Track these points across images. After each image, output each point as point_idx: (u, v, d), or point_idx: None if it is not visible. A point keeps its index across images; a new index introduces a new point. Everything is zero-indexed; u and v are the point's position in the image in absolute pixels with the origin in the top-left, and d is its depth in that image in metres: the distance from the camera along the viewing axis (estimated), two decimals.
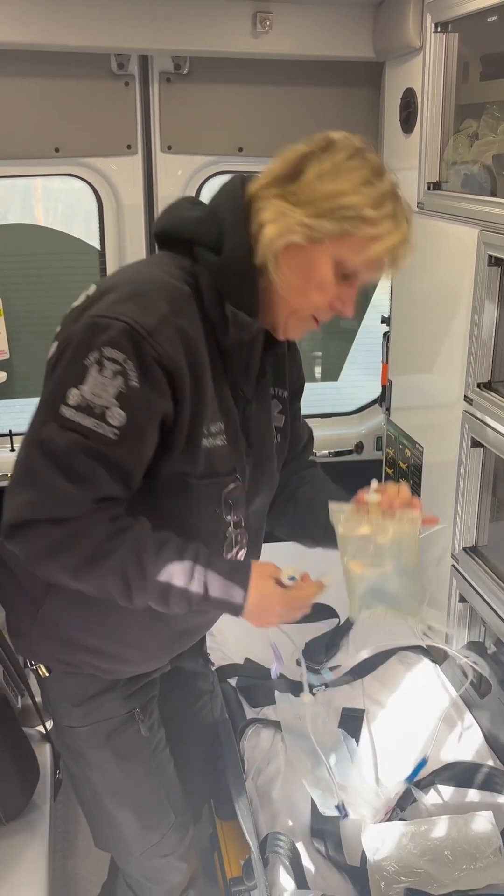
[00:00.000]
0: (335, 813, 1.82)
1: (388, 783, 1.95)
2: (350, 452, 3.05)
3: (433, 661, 2.32)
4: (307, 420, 1.73)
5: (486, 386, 2.07)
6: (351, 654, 2.38)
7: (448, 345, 2.23)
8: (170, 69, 2.42)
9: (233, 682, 2.22)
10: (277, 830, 1.78)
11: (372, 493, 1.40)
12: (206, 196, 2.84)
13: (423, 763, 1.97)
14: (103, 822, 1.68)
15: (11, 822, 1.81)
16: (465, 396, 2.13)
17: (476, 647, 2.21)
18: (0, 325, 2.69)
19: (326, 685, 2.23)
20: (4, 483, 1.29)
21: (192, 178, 2.60)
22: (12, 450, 2.71)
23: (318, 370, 3.39)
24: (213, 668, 1.98)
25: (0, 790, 1.78)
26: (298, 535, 1.67)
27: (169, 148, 2.52)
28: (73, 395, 1.21)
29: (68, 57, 2.34)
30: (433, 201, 2.26)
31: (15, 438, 2.72)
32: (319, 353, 3.40)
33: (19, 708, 1.99)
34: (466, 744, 2.04)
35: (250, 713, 2.12)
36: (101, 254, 2.71)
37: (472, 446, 2.15)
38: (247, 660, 2.33)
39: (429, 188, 2.29)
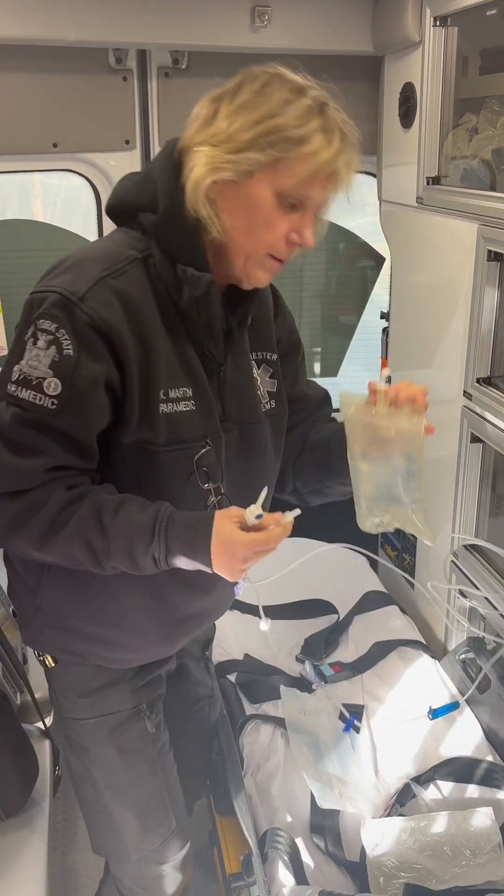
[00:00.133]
0: (334, 806, 1.82)
1: (387, 778, 1.95)
2: None
3: (432, 656, 2.32)
4: None
5: (486, 381, 2.07)
6: (350, 650, 2.38)
7: (447, 340, 2.23)
8: (168, 64, 2.42)
9: (232, 678, 2.22)
10: (277, 826, 1.78)
11: (382, 382, 1.33)
12: None
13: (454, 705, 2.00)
14: (103, 821, 1.65)
15: (10, 818, 1.81)
16: (465, 392, 2.13)
17: (475, 642, 2.21)
18: None
19: (326, 681, 2.23)
20: None
21: None
22: None
23: (317, 366, 3.39)
24: (213, 665, 1.96)
25: (8, 786, 1.78)
26: (319, 477, 1.57)
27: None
28: (15, 372, 1.23)
29: (66, 52, 2.33)
30: (432, 196, 2.25)
31: None
32: (319, 349, 3.40)
33: (18, 704, 1.99)
34: (466, 739, 2.04)
35: (250, 709, 2.12)
36: None
37: (471, 442, 2.15)
38: (246, 655, 2.33)
39: (428, 183, 2.28)
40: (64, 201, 3.30)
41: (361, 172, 2.79)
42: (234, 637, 2.35)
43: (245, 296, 1.40)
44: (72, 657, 1.51)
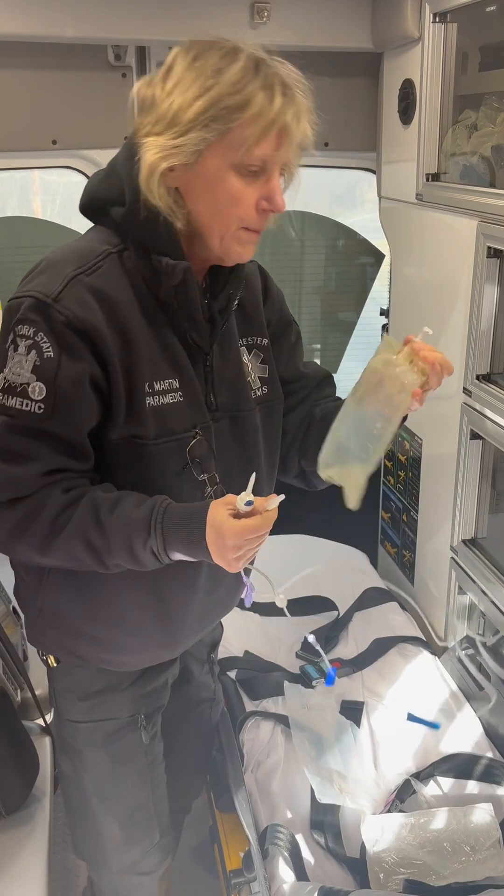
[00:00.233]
0: (334, 801, 1.83)
1: (387, 774, 1.95)
2: None
3: (432, 652, 2.33)
4: None
5: (486, 378, 2.07)
6: (350, 647, 2.38)
7: (447, 337, 2.23)
8: None
9: (232, 674, 2.22)
10: (277, 822, 1.78)
11: (419, 336, 1.28)
12: None
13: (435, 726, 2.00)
14: (87, 827, 1.63)
15: (11, 814, 1.81)
16: (465, 388, 2.13)
17: (475, 638, 2.22)
18: None
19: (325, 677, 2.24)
20: None
21: None
22: None
23: (316, 362, 3.39)
24: (218, 668, 1.93)
25: (0, 783, 1.78)
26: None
27: None
28: (0, 381, 1.23)
29: (65, 48, 2.32)
30: (432, 192, 2.25)
31: None
32: (318, 346, 3.40)
33: (19, 701, 1.99)
34: (465, 736, 2.04)
35: (250, 706, 2.12)
36: None
37: (471, 438, 2.15)
38: (246, 652, 2.33)
39: (427, 179, 2.28)
40: (63, 198, 3.30)
41: (361, 169, 2.82)
42: (234, 634, 2.35)
43: (227, 281, 1.38)
44: (74, 658, 1.50)
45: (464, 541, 2.26)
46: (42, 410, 1.21)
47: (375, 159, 2.63)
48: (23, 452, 1.22)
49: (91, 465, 1.29)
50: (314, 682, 2.21)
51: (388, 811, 1.84)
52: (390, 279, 2.75)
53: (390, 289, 2.75)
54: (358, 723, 2.07)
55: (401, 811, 1.83)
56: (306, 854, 1.74)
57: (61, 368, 1.21)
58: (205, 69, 1.19)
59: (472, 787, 1.90)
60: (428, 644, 2.37)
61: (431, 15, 2.15)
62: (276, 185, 1.25)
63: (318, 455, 1.43)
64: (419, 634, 2.41)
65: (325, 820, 1.81)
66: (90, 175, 2.56)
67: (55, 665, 1.53)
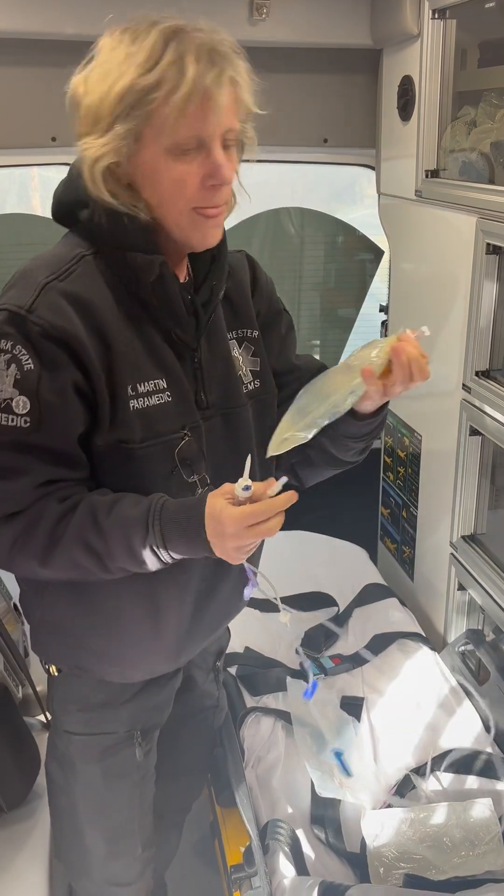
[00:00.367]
0: (334, 795, 1.83)
1: (387, 770, 1.96)
2: None
3: (432, 648, 2.33)
4: None
5: (485, 374, 2.08)
6: (350, 643, 2.39)
7: (446, 333, 2.23)
8: None
9: (233, 670, 2.23)
10: (277, 818, 1.79)
11: (414, 332, 1.27)
12: None
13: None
14: (71, 837, 1.61)
15: (13, 810, 1.82)
16: (464, 385, 2.13)
17: (475, 634, 2.22)
18: None
19: (326, 673, 2.24)
20: None
21: None
22: None
23: (311, 354, 3.40)
24: (222, 676, 1.89)
25: (1, 779, 1.79)
26: (317, 446, 1.43)
27: None
28: None
29: (64, 45, 2.31)
30: (431, 189, 2.25)
31: None
32: (318, 342, 3.40)
33: (20, 697, 2.00)
34: (465, 731, 2.05)
35: (250, 702, 2.13)
36: None
37: (470, 435, 2.15)
38: (246, 648, 2.34)
39: (427, 176, 2.28)
40: None
41: (360, 165, 2.82)
42: (234, 630, 2.35)
43: (209, 272, 1.35)
44: (75, 669, 1.47)
45: (463, 537, 2.27)
46: (28, 424, 1.19)
47: (375, 156, 2.64)
48: (14, 467, 1.21)
49: (86, 472, 1.27)
50: (314, 678, 2.21)
51: (389, 806, 1.85)
52: (390, 275, 2.76)
53: (390, 285, 2.75)
54: (358, 718, 2.08)
55: (401, 806, 1.84)
56: (307, 849, 1.75)
57: (43, 380, 1.18)
58: (117, 56, 1.16)
59: (472, 781, 1.91)
60: (427, 640, 2.38)
61: (430, 11, 2.15)
62: (218, 158, 1.18)
63: (308, 451, 1.43)
64: (419, 630, 2.42)
65: (325, 815, 1.81)
66: None
67: (56, 674, 1.51)
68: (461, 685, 2.18)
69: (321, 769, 1.89)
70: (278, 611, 2.58)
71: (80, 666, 1.46)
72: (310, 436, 1.22)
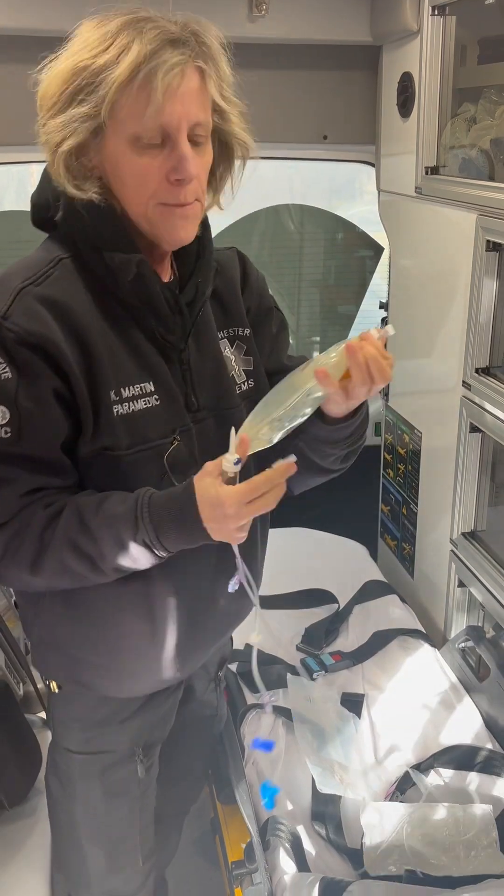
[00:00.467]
0: (334, 791, 1.84)
1: (388, 766, 1.96)
2: None
3: (432, 645, 2.34)
4: None
5: (485, 371, 2.08)
6: (350, 640, 2.39)
7: (446, 330, 2.23)
8: None
9: (233, 667, 2.23)
10: (278, 814, 1.79)
11: (378, 331, 1.17)
12: None
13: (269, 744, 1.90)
14: (71, 851, 1.58)
15: (14, 807, 1.82)
16: (464, 382, 2.13)
17: (475, 631, 2.22)
18: None
19: (326, 670, 2.24)
20: None
21: None
22: None
23: (315, 355, 3.40)
24: (224, 685, 1.84)
25: (2, 776, 1.79)
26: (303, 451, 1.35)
27: None
28: None
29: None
30: (431, 186, 2.25)
31: None
32: (318, 339, 3.40)
33: (21, 694, 2.00)
34: (465, 727, 2.05)
35: (251, 699, 2.13)
36: None
37: (470, 432, 2.16)
38: (246, 645, 2.34)
39: (427, 172, 2.28)
40: None
41: (360, 162, 2.82)
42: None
43: (194, 271, 1.30)
44: (76, 686, 1.44)
45: (463, 534, 2.27)
46: (9, 435, 1.16)
47: (374, 152, 2.63)
48: None
49: (73, 479, 1.24)
50: (315, 675, 2.22)
51: (389, 802, 1.85)
52: (389, 272, 2.76)
53: (389, 282, 2.75)
54: (358, 715, 2.08)
55: (401, 802, 1.85)
56: (307, 845, 1.75)
57: (21, 388, 1.15)
58: (74, 44, 1.13)
59: (473, 778, 1.91)
60: (428, 636, 2.38)
61: (430, 8, 2.15)
62: (182, 153, 1.13)
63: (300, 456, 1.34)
64: (419, 627, 2.42)
65: (325, 811, 1.81)
66: None
67: (57, 691, 1.47)
68: (461, 682, 2.19)
69: (321, 766, 1.90)
70: (278, 608, 2.60)
71: (80, 681, 1.42)
72: (275, 439, 1.16)
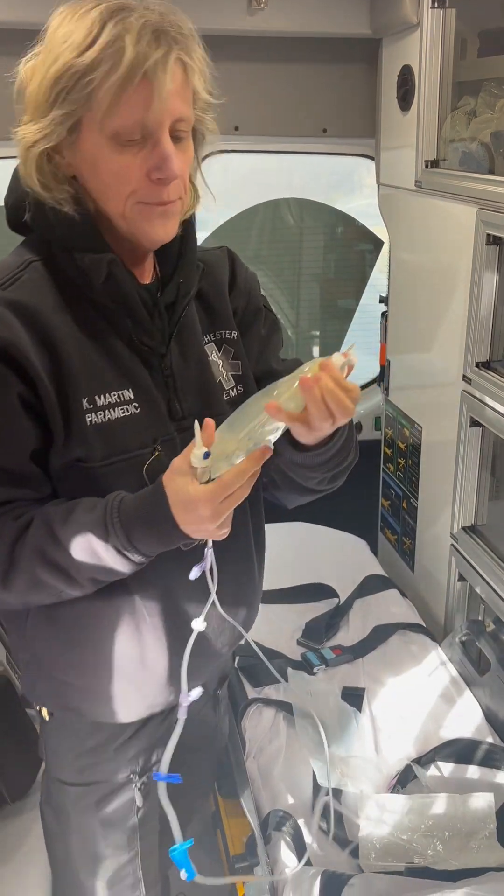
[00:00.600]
0: (336, 786, 1.84)
1: (389, 760, 1.97)
2: None
3: (433, 639, 2.34)
4: None
5: (485, 365, 2.07)
6: (351, 634, 2.40)
7: (446, 324, 2.23)
8: None
9: (234, 662, 2.23)
10: (279, 808, 1.79)
11: (339, 359, 1.06)
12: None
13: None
14: (69, 882, 1.52)
15: (16, 801, 1.83)
16: (464, 376, 2.13)
17: (475, 625, 2.23)
18: None
19: (327, 664, 2.25)
20: None
21: None
22: None
23: (315, 350, 3.39)
24: (225, 702, 1.77)
25: (4, 770, 1.80)
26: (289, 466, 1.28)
27: None
28: None
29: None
30: (431, 179, 2.25)
31: None
32: (317, 333, 3.40)
33: (22, 689, 2.00)
34: (466, 721, 2.06)
35: (252, 693, 2.14)
36: None
37: (470, 426, 2.15)
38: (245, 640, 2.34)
39: (426, 166, 2.27)
40: None
41: (360, 155, 2.81)
42: None
43: (175, 271, 1.24)
44: (67, 712, 1.38)
45: (464, 528, 2.27)
46: None
47: (374, 146, 2.63)
48: None
49: (45, 490, 1.18)
50: (315, 669, 2.22)
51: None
52: (389, 266, 2.75)
53: (389, 276, 2.75)
54: (359, 709, 2.09)
55: (402, 795, 1.85)
56: (309, 839, 1.75)
57: None
58: (57, 37, 1.06)
59: (473, 771, 1.91)
60: (428, 630, 2.38)
61: (430, 0, 2.14)
62: (165, 151, 1.08)
63: (271, 473, 1.30)
64: (419, 621, 2.43)
65: (327, 805, 1.82)
66: None
67: (48, 719, 1.42)
68: (462, 676, 2.19)
69: (322, 759, 1.90)
70: (279, 602, 2.60)
71: (70, 706, 1.36)
72: (235, 461, 1.06)
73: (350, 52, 2.51)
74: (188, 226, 1.26)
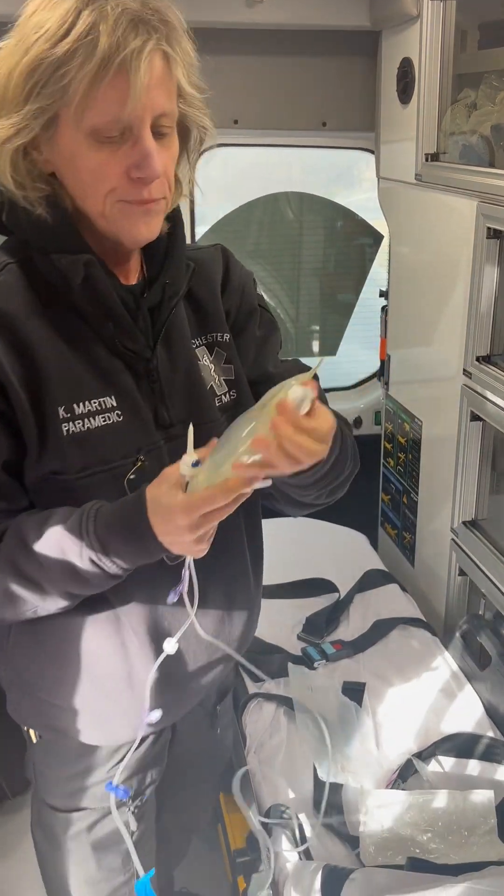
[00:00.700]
0: (336, 780, 1.84)
1: (389, 754, 1.97)
2: None
3: (433, 633, 2.34)
4: None
5: (486, 359, 2.07)
6: (351, 629, 2.40)
7: (447, 318, 2.22)
8: None
9: None
10: (280, 802, 1.79)
11: (295, 390, 0.94)
12: (201, 170, 2.81)
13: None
14: None
15: (17, 796, 1.83)
16: (465, 370, 2.12)
17: (476, 619, 2.23)
18: None
19: (327, 659, 2.25)
20: None
21: None
22: None
23: (315, 344, 3.39)
24: (223, 718, 1.71)
25: (5, 766, 1.80)
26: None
27: None
28: None
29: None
30: (431, 173, 2.24)
31: None
32: (317, 328, 3.39)
33: None
34: (466, 715, 2.06)
35: (252, 688, 2.14)
36: None
37: (471, 420, 2.15)
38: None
39: (427, 159, 2.26)
40: None
41: (359, 149, 2.80)
42: None
43: (160, 271, 1.18)
44: (54, 734, 1.33)
45: (464, 522, 2.27)
46: None
47: (374, 139, 2.62)
48: None
49: (21, 503, 1.13)
50: (316, 664, 2.22)
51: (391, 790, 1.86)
52: (389, 260, 2.74)
53: (389, 270, 2.74)
54: (360, 704, 2.09)
55: (402, 790, 1.85)
56: (310, 833, 1.76)
57: None
58: (31, 24, 0.99)
59: (474, 766, 1.92)
60: (429, 625, 2.38)
61: None
62: (145, 148, 1.01)
63: (278, 491, 1.22)
64: (420, 616, 2.42)
65: (327, 799, 1.82)
66: None
67: (35, 741, 1.37)
68: (462, 670, 2.19)
69: (323, 754, 1.90)
70: (279, 597, 2.60)
71: (56, 727, 1.31)
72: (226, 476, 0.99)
73: (349, 45, 2.50)
74: (176, 223, 1.20)
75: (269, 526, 1.59)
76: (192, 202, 2.62)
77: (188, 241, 1.32)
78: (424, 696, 2.12)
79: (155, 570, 1.11)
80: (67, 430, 1.09)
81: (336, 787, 1.83)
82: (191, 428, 1.00)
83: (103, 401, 1.12)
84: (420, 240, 2.43)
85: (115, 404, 1.13)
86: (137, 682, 1.24)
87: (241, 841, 1.82)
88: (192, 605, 1.10)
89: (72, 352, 1.10)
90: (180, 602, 1.11)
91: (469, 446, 2.19)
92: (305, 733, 1.95)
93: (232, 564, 1.33)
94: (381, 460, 2.89)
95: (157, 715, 1.20)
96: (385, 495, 2.90)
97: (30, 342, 1.08)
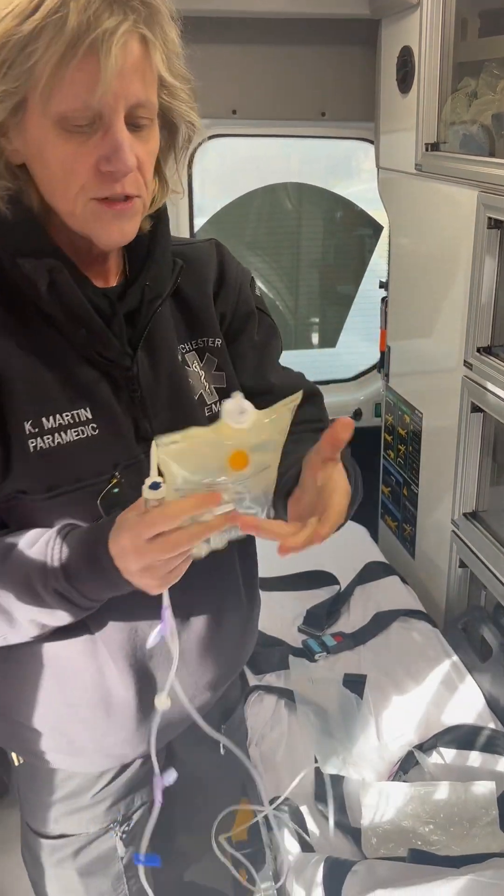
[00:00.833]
0: (338, 772, 1.84)
1: (390, 746, 1.97)
2: None
3: (434, 625, 2.34)
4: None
5: (486, 351, 2.06)
6: (352, 621, 2.39)
7: (447, 309, 2.21)
8: None
9: None
10: (281, 795, 1.79)
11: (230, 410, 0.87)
12: (199, 161, 2.80)
13: None
14: None
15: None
16: (465, 361, 2.12)
17: (477, 611, 2.23)
18: None
19: (328, 651, 2.25)
20: None
21: None
22: None
23: (315, 336, 3.38)
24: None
25: (3, 762, 1.79)
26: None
27: None
28: None
29: None
30: (431, 162, 2.22)
31: None
32: (317, 320, 3.38)
33: None
34: (467, 707, 2.06)
35: (253, 680, 2.14)
36: None
37: (472, 411, 2.14)
38: None
39: (427, 149, 2.25)
40: None
41: (359, 139, 2.78)
42: None
43: (140, 273, 1.10)
44: (34, 758, 1.25)
45: (465, 514, 2.26)
46: None
47: (373, 129, 2.60)
48: None
49: None
50: (317, 657, 2.22)
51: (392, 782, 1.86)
52: (389, 251, 2.73)
53: (389, 261, 2.73)
54: (360, 696, 2.09)
55: (404, 781, 1.85)
56: (311, 825, 1.76)
57: None
58: (2, 3, 0.90)
59: (475, 757, 1.92)
60: (429, 617, 2.38)
61: None
62: (116, 139, 0.92)
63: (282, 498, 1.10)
64: (420, 607, 2.42)
65: (329, 792, 1.82)
66: None
67: (18, 764, 1.31)
68: (463, 662, 2.19)
69: (324, 746, 1.90)
70: (279, 590, 2.59)
71: (34, 752, 1.24)
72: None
73: (349, 34, 2.49)
74: (160, 219, 1.12)
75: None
76: (190, 194, 2.61)
77: (187, 234, 1.27)
78: (425, 687, 2.12)
79: (133, 592, 1.00)
80: (35, 447, 1.00)
81: (337, 780, 1.83)
82: (153, 445, 0.84)
83: (76, 413, 1.03)
84: (420, 230, 2.42)
85: (89, 416, 1.04)
86: (116, 709, 1.18)
87: (243, 833, 1.82)
88: (174, 648, 0.98)
89: (41, 362, 1.02)
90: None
91: (469, 438, 2.19)
92: (307, 726, 1.95)
93: (222, 581, 1.25)
94: (382, 452, 2.88)
95: (172, 777, 1.10)
96: (385, 487, 2.90)
97: None
